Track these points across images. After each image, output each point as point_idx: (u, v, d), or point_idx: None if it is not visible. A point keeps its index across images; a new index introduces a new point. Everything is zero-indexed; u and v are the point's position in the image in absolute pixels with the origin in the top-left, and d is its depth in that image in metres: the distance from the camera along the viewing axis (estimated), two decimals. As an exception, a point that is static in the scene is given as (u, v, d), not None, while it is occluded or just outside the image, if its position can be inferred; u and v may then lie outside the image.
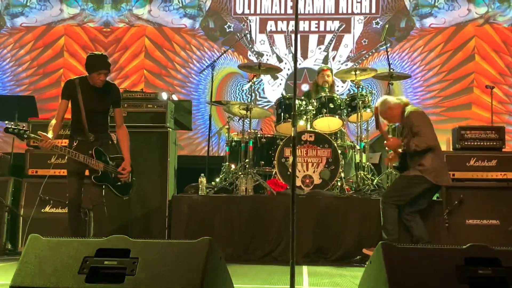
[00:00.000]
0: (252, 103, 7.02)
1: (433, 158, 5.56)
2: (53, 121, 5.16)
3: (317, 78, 7.55)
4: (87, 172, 5.32)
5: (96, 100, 5.28)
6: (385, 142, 5.85)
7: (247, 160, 6.63)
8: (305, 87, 9.39)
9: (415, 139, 5.51)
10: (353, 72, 6.89)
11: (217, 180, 6.96)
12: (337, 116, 6.79)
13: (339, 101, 6.88)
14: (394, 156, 5.83)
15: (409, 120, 5.62)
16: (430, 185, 5.56)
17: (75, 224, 5.26)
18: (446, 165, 5.89)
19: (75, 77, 5.38)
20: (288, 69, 9.59)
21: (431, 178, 5.51)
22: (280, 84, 9.62)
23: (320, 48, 9.61)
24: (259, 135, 6.90)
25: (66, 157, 5.27)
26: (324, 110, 6.78)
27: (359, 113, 6.68)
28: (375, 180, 6.64)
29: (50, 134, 5.01)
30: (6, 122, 4.97)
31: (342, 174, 6.53)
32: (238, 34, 9.55)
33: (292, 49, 9.52)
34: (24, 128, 4.96)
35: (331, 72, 7.58)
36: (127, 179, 5.45)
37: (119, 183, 5.38)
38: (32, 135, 4.95)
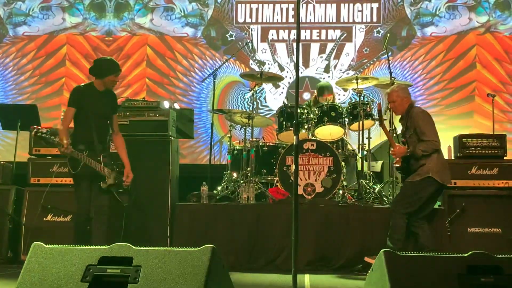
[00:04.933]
0: (254, 112, 7.02)
1: (437, 158, 5.61)
2: (62, 128, 5.13)
3: (318, 96, 7.52)
4: None
5: (103, 106, 5.35)
6: (391, 150, 5.84)
7: (249, 169, 6.64)
8: (306, 96, 9.41)
9: (421, 145, 5.55)
10: (354, 81, 6.90)
11: (219, 188, 6.96)
12: (338, 125, 6.79)
13: (340, 109, 6.88)
14: (398, 160, 5.84)
15: (414, 121, 5.64)
16: (437, 186, 5.58)
17: (81, 236, 5.14)
18: (448, 165, 5.90)
19: (81, 84, 5.43)
20: (290, 78, 9.61)
21: (437, 177, 5.54)
22: (282, 92, 9.63)
23: (321, 57, 9.63)
24: (260, 144, 6.91)
25: (74, 168, 5.18)
26: (326, 118, 6.78)
27: (361, 122, 6.68)
28: (377, 189, 6.64)
29: (65, 140, 5.00)
30: (34, 126, 5.02)
31: (344, 183, 6.52)
32: (240, 43, 9.57)
33: (294, 57, 9.55)
34: (49, 133, 4.99)
35: (333, 96, 7.55)
36: (129, 186, 5.52)
37: (121, 190, 5.45)
38: (57, 141, 4.96)
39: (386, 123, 6.24)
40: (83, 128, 5.25)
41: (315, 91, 7.70)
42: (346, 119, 6.89)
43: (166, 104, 6.74)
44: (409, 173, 5.70)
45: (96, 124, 5.23)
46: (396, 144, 5.80)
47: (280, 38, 9.73)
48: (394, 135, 6.48)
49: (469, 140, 6.64)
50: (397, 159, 5.78)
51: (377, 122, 6.52)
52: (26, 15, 10.04)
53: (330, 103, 6.93)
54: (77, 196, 5.24)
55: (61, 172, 6.45)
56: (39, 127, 4.98)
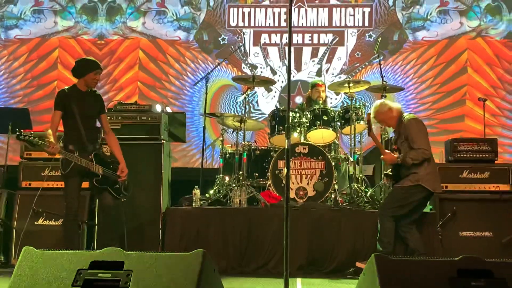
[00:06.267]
0: (246, 115, 7.03)
1: (428, 166, 5.61)
2: (50, 131, 5.21)
3: (311, 93, 7.56)
4: (85, 184, 5.49)
5: (89, 105, 5.43)
6: (381, 156, 5.84)
7: (241, 172, 6.64)
8: (299, 100, 9.42)
9: (411, 153, 5.54)
10: (346, 85, 6.92)
11: (211, 192, 6.95)
12: (330, 128, 6.81)
13: (332, 113, 6.90)
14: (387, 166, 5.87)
15: (406, 129, 5.65)
16: (427, 193, 5.60)
17: (70, 234, 5.31)
18: (438, 173, 5.92)
19: (65, 87, 5.52)
20: (282, 82, 9.62)
21: (428, 186, 5.55)
22: (274, 96, 9.64)
23: (313, 61, 9.65)
24: (253, 147, 6.92)
25: (64, 168, 5.27)
26: (318, 122, 6.80)
27: (353, 125, 6.70)
28: (369, 192, 6.65)
29: (51, 140, 5.10)
30: (17, 129, 5.09)
31: (336, 186, 6.53)
32: (232, 47, 9.58)
33: (286, 61, 9.56)
34: (33, 135, 5.03)
35: (325, 86, 7.62)
36: (125, 182, 5.60)
37: (117, 186, 5.52)
38: (41, 141, 5.03)
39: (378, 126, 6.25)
40: (71, 130, 5.32)
41: (309, 90, 7.72)
42: (338, 123, 6.92)
43: (158, 108, 6.73)
44: (399, 180, 5.71)
45: (84, 125, 5.30)
46: (386, 151, 5.81)
47: (273, 42, 9.74)
48: (386, 137, 6.51)
49: (461, 144, 6.66)
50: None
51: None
52: (18, 19, 10.00)
53: (322, 107, 6.95)
54: (66, 195, 5.29)
55: (53, 175, 6.42)
56: (22, 130, 5.02)
